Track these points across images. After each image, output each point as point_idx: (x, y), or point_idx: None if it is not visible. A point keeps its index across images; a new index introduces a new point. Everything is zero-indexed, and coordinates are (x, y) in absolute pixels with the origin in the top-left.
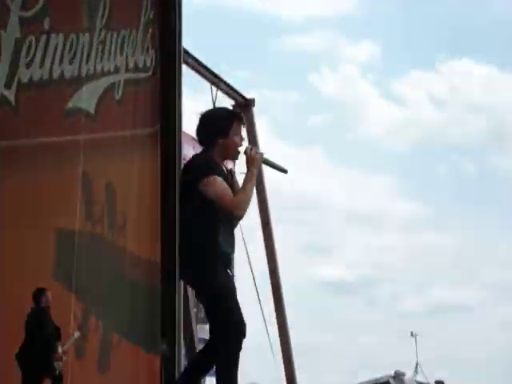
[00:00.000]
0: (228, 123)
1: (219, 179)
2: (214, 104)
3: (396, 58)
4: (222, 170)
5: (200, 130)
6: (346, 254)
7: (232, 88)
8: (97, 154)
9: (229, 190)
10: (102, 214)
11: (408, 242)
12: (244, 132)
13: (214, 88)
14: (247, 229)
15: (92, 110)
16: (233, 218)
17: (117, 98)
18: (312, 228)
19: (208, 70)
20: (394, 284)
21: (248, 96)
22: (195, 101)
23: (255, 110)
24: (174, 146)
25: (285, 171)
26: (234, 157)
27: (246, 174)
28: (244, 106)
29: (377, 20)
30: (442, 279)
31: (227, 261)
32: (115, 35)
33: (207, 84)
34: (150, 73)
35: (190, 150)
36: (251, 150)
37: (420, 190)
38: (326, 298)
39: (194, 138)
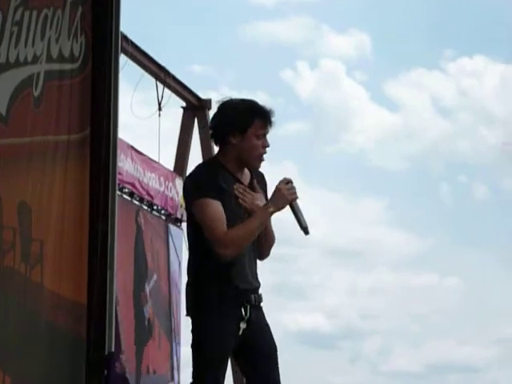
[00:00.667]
0: (248, 118)
1: (209, 202)
2: (159, 104)
3: (391, 53)
4: (220, 186)
5: (213, 123)
6: (326, 298)
7: (183, 85)
8: (9, 165)
9: (219, 220)
10: (14, 242)
11: (402, 283)
12: (268, 130)
13: (160, 85)
14: None
15: (3, 111)
16: (216, 256)
17: (35, 94)
18: (284, 265)
19: (153, 61)
20: (383, 336)
21: (203, 96)
22: (136, 100)
23: (212, 113)
24: (108, 156)
25: (306, 231)
26: (251, 163)
27: (260, 209)
28: (197, 109)
29: (368, 4)
30: (444, 332)
31: (236, 297)
32: (35, 15)
33: (152, 80)
34: (79, 64)
35: (126, 161)
36: (287, 183)
37: (418, 219)
38: (300, 353)
39: (131, 147)
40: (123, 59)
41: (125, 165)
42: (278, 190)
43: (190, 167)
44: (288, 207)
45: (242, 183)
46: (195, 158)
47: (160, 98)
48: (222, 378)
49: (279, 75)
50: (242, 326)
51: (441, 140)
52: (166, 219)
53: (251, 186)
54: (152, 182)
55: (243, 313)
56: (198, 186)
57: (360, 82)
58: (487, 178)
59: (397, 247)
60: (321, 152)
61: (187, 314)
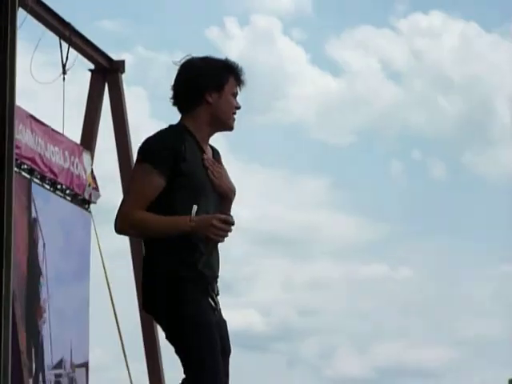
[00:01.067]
0: (224, 74)
1: (149, 171)
2: (63, 66)
3: (334, 8)
4: (179, 158)
5: (180, 84)
6: (258, 293)
7: (91, 44)
8: None
9: (144, 196)
10: None
11: (347, 275)
12: (240, 89)
13: (65, 44)
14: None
15: None
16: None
17: None
18: None
19: (56, 17)
20: (325, 337)
21: (115, 57)
22: (36, 62)
23: (125, 77)
24: (3, 127)
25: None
26: (227, 123)
27: (184, 220)
28: (108, 72)
29: None
30: (395, 331)
31: (205, 285)
32: None
33: (55, 38)
34: None
35: (25, 132)
36: (225, 222)
37: (366, 201)
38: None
39: (31, 116)
40: (22, 14)
41: (23, 137)
42: (210, 219)
43: (100, 139)
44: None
45: (204, 151)
46: (105, 129)
47: (64, 60)
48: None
49: (204, 34)
50: (215, 319)
51: (392, 110)
52: (71, 200)
53: (214, 155)
54: (55, 157)
55: (212, 303)
56: (150, 149)
57: (298, 41)
58: (445, 154)
59: (341, 234)
60: (251, 123)
61: (148, 310)
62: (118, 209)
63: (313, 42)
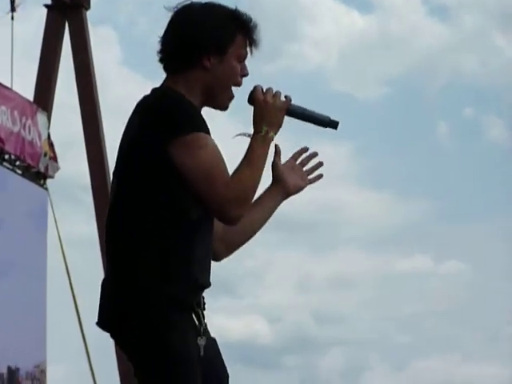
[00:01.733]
0: (229, 31)
1: (208, 139)
2: (12, 1)
3: None
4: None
5: (171, 38)
6: (265, 294)
7: None
8: None
9: (224, 166)
10: None
11: (379, 270)
12: (246, 51)
13: None
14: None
15: None
16: (220, 220)
17: None
18: None
19: None
20: (351, 349)
21: None
22: None
23: (91, 15)
24: None
25: (334, 124)
26: (220, 100)
27: (252, 139)
28: (68, 9)
29: None
30: (442, 342)
31: (191, 297)
32: None
33: None
34: None
35: None
36: (266, 92)
37: (402, 171)
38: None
39: None
40: None
41: None
42: (264, 103)
43: (59, 96)
44: (287, 116)
45: None
46: (66, 83)
47: None
48: None
49: None
50: (201, 342)
51: (436, 54)
52: (22, 174)
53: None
54: (2, 118)
55: (196, 321)
56: (186, 114)
57: None
58: (505, 110)
59: (370, 216)
60: (256, 72)
61: (111, 330)
62: (216, 203)
63: None
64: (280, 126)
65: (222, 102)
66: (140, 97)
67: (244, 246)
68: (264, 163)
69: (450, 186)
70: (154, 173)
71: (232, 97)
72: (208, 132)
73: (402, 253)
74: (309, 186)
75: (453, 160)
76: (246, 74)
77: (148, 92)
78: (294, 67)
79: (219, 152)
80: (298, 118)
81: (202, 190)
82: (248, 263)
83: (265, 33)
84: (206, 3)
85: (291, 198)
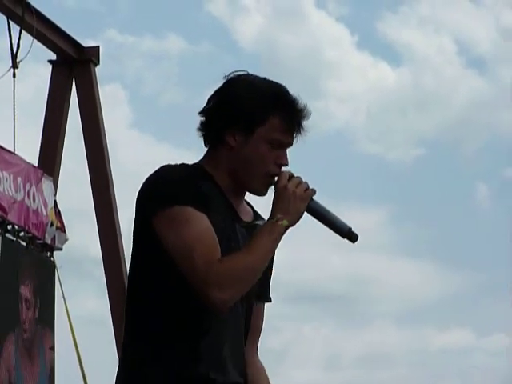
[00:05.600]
0: (264, 109)
1: (190, 213)
2: (14, 57)
3: None
4: (208, 199)
5: (207, 107)
6: (291, 373)
7: (52, 25)
8: None
9: (209, 242)
10: None
11: (417, 346)
12: (291, 138)
13: (16, 26)
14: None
15: None
16: (204, 302)
17: None
18: None
19: None
20: None
21: (85, 44)
22: None
23: (99, 71)
24: None
25: (352, 236)
26: (250, 185)
27: (267, 224)
28: (76, 64)
29: None
30: None
31: None
32: None
33: (2, 18)
34: None
35: None
36: (290, 179)
37: (441, 239)
38: None
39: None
40: None
41: None
42: (283, 188)
43: (66, 159)
44: (306, 213)
45: (238, 216)
46: (73, 145)
47: (15, 48)
48: None
49: (204, 8)
50: None
51: (474, 110)
52: (26, 246)
53: (252, 230)
54: (4, 185)
55: None
56: (170, 188)
57: (339, 17)
58: None
59: (406, 287)
60: None
61: None
62: (195, 282)
63: (359, 17)
64: (297, 215)
65: (252, 187)
66: (151, 159)
67: (266, 321)
68: (267, 251)
69: (491, 253)
70: (146, 249)
71: (268, 183)
72: (201, 206)
73: (440, 326)
74: (340, 257)
75: (494, 225)
76: (283, 164)
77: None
78: (318, 126)
79: (208, 228)
80: (316, 218)
81: (183, 268)
82: (272, 339)
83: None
84: (256, 77)
85: (316, 270)
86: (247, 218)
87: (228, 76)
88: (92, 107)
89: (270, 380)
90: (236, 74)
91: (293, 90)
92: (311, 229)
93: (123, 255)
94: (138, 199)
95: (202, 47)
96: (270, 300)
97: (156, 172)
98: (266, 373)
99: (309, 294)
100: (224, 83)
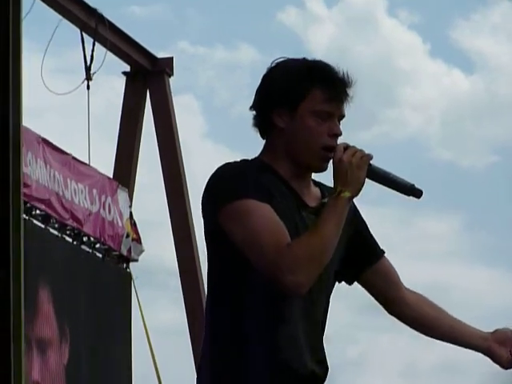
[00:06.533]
0: (301, 84)
1: (253, 205)
2: (87, 70)
3: None
4: (270, 193)
5: (254, 99)
6: (366, 379)
7: (126, 37)
8: None
9: (275, 228)
10: None
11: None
12: (339, 107)
13: (89, 38)
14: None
15: None
16: (280, 288)
17: None
18: None
19: (79, 2)
20: None
21: (159, 55)
22: (49, 65)
23: (173, 82)
24: (6, 158)
25: (417, 192)
26: (306, 160)
27: (330, 200)
28: (150, 76)
29: None
30: None
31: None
32: None
33: (75, 30)
34: None
35: (37, 164)
36: (345, 149)
37: None
38: None
39: (44, 141)
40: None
41: (34, 171)
42: (339, 161)
43: (141, 170)
44: (367, 178)
45: (303, 202)
46: (148, 156)
47: (89, 61)
48: None
49: (276, 18)
50: None
51: None
52: (102, 257)
53: (321, 205)
54: (79, 197)
55: None
56: (229, 184)
57: (412, 25)
58: None
59: (483, 297)
60: (351, 140)
61: None
62: (267, 270)
63: (432, 25)
64: (358, 184)
65: (311, 164)
66: None
67: (342, 331)
68: (334, 227)
69: None
70: (218, 249)
71: (325, 157)
72: (262, 197)
73: None
74: (415, 264)
75: None
76: (336, 134)
77: None
78: (392, 133)
79: (272, 216)
80: (377, 181)
81: (253, 258)
82: (349, 350)
83: (360, 99)
84: (292, 59)
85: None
86: (314, 202)
87: (271, 64)
88: (166, 118)
89: None
90: (274, 61)
91: (367, 99)
92: (386, 240)
93: (199, 265)
94: (202, 202)
95: (274, 57)
96: (383, 251)
97: (214, 172)
98: (422, 297)
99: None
100: (267, 72)
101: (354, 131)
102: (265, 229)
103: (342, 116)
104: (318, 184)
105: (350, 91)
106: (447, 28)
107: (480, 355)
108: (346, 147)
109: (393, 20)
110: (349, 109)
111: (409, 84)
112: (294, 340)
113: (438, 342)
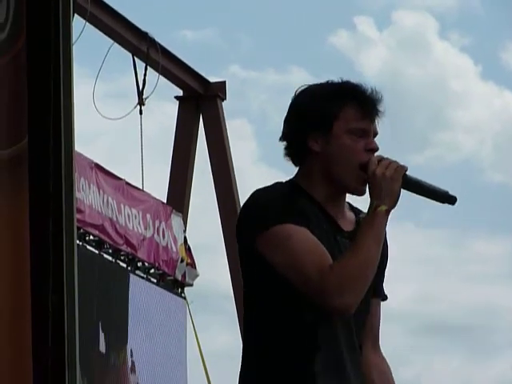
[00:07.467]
0: (332, 105)
1: (292, 229)
2: (140, 94)
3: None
4: (306, 216)
5: (284, 126)
6: None
7: (178, 62)
8: None
9: (317, 251)
10: None
11: None
12: (372, 122)
13: (141, 63)
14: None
15: None
16: (328, 311)
17: None
18: None
19: (128, 24)
20: None
21: (210, 79)
22: (101, 90)
23: (226, 106)
24: (58, 184)
25: (451, 199)
26: (347, 181)
27: (367, 216)
28: (203, 100)
29: None
30: None
31: None
32: None
33: (126, 54)
34: (5, 35)
35: (90, 190)
36: (379, 161)
37: None
38: None
39: (97, 166)
40: (79, 23)
41: (87, 196)
42: (373, 176)
43: (195, 195)
44: (404, 190)
45: (339, 227)
46: (201, 181)
47: (141, 85)
48: None
49: (328, 40)
50: None
51: None
52: (157, 283)
53: (357, 223)
54: (133, 222)
55: None
56: (266, 210)
57: (463, 47)
58: None
59: None
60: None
61: None
62: (312, 293)
63: (482, 47)
64: (394, 197)
65: (349, 186)
66: None
67: (397, 353)
68: (374, 243)
69: None
70: (255, 276)
71: (363, 178)
72: (300, 221)
73: None
74: (467, 287)
75: None
76: (373, 149)
77: None
78: (444, 157)
79: (310, 239)
80: (413, 191)
81: (297, 283)
82: (404, 371)
83: (409, 120)
84: (314, 84)
85: (446, 301)
86: (349, 226)
87: (297, 91)
88: (220, 142)
89: None
90: (298, 88)
91: (418, 121)
92: (438, 262)
93: None
94: (238, 229)
95: (325, 80)
96: (385, 297)
97: (250, 197)
98: (391, 375)
99: (438, 325)
100: (294, 97)
101: (406, 154)
102: (306, 252)
103: (375, 133)
104: (353, 208)
105: (381, 107)
106: (498, 50)
107: None
108: (380, 160)
109: (444, 42)
110: (400, 132)
111: (461, 106)
112: (333, 365)
113: (491, 362)
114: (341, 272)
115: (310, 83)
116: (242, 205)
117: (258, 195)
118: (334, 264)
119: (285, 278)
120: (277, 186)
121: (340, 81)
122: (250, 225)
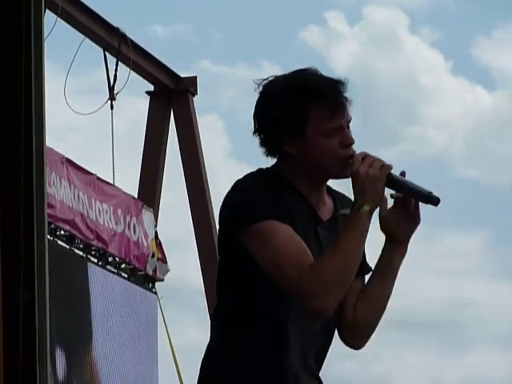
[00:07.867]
0: (301, 107)
1: (277, 226)
2: (111, 89)
3: None
4: (290, 209)
5: (254, 122)
6: None
7: (149, 56)
8: None
9: (300, 250)
10: None
11: None
12: (342, 116)
13: (112, 58)
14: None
15: None
16: (305, 309)
17: None
18: None
19: (99, 19)
20: None
21: (181, 74)
22: (72, 86)
23: (197, 101)
24: (29, 179)
25: (434, 200)
26: (332, 173)
27: (350, 215)
28: (174, 95)
29: None
30: None
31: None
32: None
33: (97, 50)
34: None
35: (61, 185)
36: (363, 158)
37: None
38: None
39: (68, 161)
40: (50, 18)
41: (58, 191)
42: (356, 174)
43: (165, 190)
44: (388, 190)
45: (319, 218)
46: (172, 175)
47: (112, 81)
48: None
49: (298, 36)
50: None
51: None
52: (128, 277)
53: (334, 223)
54: (104, 217)
55: None
56: (254, 202)
57: (434, 43)
58: None
59: (505, 312)
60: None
61: None
62: (289, 286)
63: (454, 43)
64: (377, 196)
65: (334, 175)
66: None
67: (368, 348)
68: (355, 242)
69: None
70: (232, 263)
71: (345, 165)
72: (284, 217)
73: None
74: (439, 282)
75: None
76: (350, 143)
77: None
78: (415, 151)
79: (293, 237)
80: (396, 190)
81: (277, 281)
82: (374, 367)
83: (380, 115)
84: (281, 77)
85: (417, 296)
86: (328, 214)
87: (260, 84)
88: (191, 137)
89: None
90: (262, 83)
91: (390, 117)
92: (409, 257)
93: None
94: (221, 217)
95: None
96: (369, 270)
97: (234, 188)
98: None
99: (409, 320)
100: (261, 92)
101: (377, 149)
102: (287, 251)
103: (349, 121)
104: (330, 192)
105: (347, 94)
106: (469, 45)
107: (508, 371)
108: (365, 157)
109: (415, 38)
110: (371, 127)
111: (432, 101)
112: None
113: (463, 358)
114: (319, 274)
115: (276, 75)
116: (230, 188)
117: (244, 186)
118: (313, 264)
119: (265, 273)
120: (260, 176)
121: (303, 77)
122: (236, 216)
